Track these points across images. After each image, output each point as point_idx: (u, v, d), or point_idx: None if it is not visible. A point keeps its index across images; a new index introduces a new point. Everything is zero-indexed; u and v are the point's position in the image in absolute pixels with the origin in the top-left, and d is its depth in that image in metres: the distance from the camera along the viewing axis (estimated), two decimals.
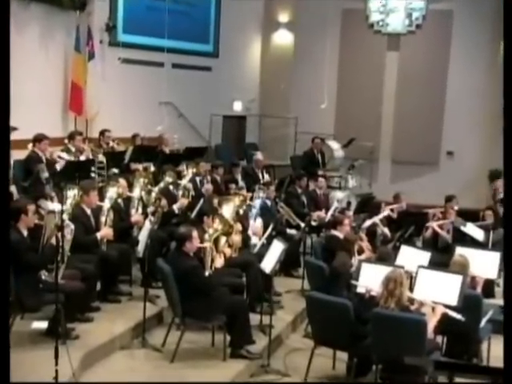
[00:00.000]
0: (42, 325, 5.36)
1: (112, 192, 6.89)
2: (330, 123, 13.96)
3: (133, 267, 7.05)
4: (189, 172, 8.69)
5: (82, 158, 8.50)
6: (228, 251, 6.48)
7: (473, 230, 8.21)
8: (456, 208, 8.86)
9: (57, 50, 10.28)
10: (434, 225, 8.61)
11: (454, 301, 5.39)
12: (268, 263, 5.92)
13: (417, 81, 13.40)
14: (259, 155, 10.86)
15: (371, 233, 8.28)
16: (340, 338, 5.41)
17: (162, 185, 8.02)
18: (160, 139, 10.39)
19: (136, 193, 7.35)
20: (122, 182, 7.28)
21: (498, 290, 7.17)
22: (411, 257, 6.53)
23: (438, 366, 3.61)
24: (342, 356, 5.74)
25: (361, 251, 6.90)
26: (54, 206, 6.07)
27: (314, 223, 8.83)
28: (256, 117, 14.37)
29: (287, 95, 14.19)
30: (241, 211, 7.62)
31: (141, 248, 6.10)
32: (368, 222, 8.32)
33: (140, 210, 7.25)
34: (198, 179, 8.88)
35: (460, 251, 6.46)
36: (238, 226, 7.01)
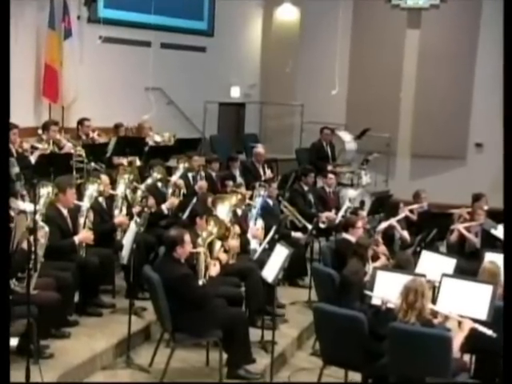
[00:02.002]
0: (12, 342, 5.35)
1: (92, 190, 6.92)
2: (341, 111, 13.97)
3: (116, 276, 7.07)
4: (180, 167, 8.71)
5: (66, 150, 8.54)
6: (224, 257, 6.49)
7: None
8: (485, 208, 8.86)
9: (27, 27, 10.27)
10: (460, 227, 8.61)
11: (483, 314, 5.40)
12: (270, 271, 5.93)
13: (441, 62, 13.37)
14: (260, 148, 10.88)
15: (388, 236, 8.30)
16: (352, 357, 5.41)
17: (149, 181, 8.05)
18: (140, 129, 10.38)
19: (120, 191, 7.39)
20: (104, 178, 7.30)
21: None
22: (434, 264, 6.55)
23: None
24: (355, 377, 5.74)
25: (376, 257, 6.90)
26: (26, 205, 6.05)
27: (322, 225, 8.85)
28: (256, 104, 14.39)
29: (292, 80, 14.20)
30: (239, 212, 7.66)
31: (125, 254, 6.11)
32: (384, 224, 8.36)
33: (124, 211, 7.29)
34: (190, 175, 8.92)
35: (490, 257, 6.47)
36: (236, 229, 7.03)
